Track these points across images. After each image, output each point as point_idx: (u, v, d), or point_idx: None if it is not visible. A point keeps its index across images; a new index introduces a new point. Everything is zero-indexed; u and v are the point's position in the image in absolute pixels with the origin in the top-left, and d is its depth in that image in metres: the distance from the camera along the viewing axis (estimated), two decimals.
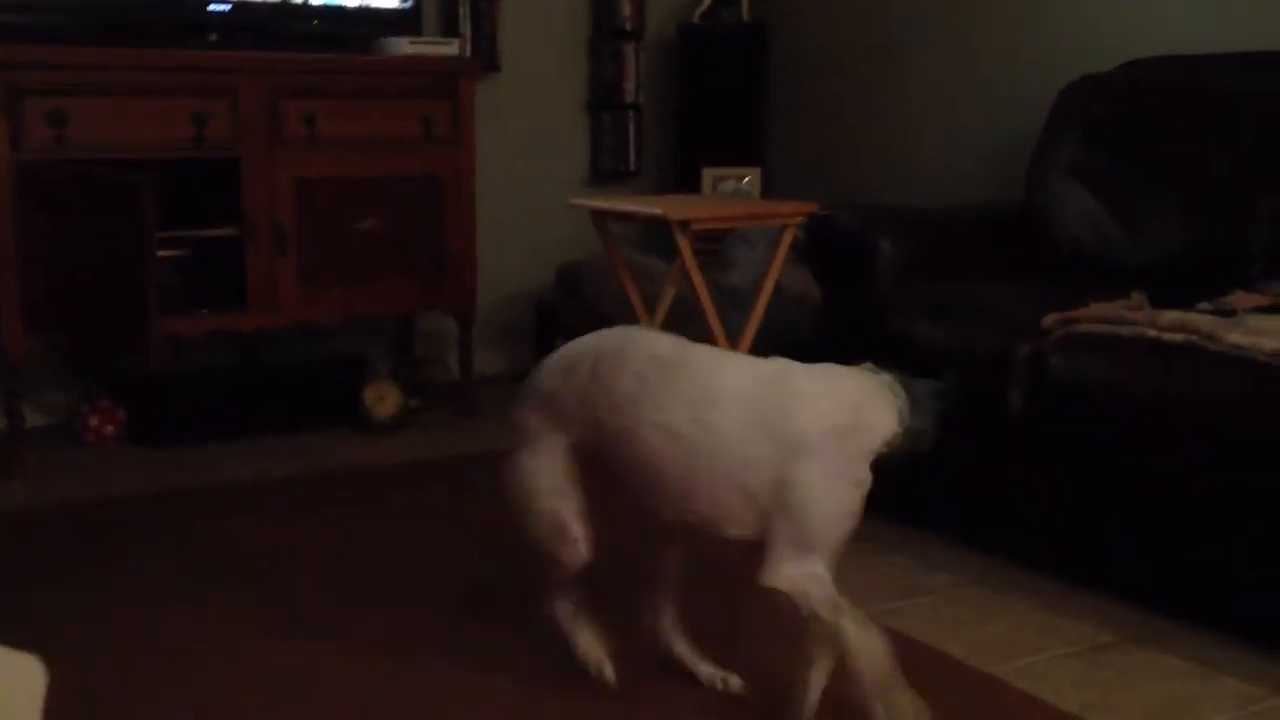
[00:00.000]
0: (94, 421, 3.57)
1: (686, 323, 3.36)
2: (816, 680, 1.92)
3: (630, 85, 4.51)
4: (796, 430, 1.79)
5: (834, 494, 1.80)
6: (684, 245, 2.95)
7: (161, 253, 3.19)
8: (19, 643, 1.25)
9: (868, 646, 1.79)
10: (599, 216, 3.22)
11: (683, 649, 2.10)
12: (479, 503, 2.77)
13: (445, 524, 2.91)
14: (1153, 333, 2.33)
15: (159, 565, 2.62)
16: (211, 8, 3.59)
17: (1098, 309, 2.46)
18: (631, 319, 3.28)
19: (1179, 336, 2.29)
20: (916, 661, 2.20)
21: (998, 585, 2.57)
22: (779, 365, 1.89)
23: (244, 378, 3.72)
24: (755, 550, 1.83)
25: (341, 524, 2.89)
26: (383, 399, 3.70)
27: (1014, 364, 2.48)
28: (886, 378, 1.89)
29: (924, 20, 4.00)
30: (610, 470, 1.93)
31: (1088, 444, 2.42)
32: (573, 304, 4.07)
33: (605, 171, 4.59)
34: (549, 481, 1.98)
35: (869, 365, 1.91)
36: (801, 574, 1.79)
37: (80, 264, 3.14)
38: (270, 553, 2.69)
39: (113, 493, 3.13)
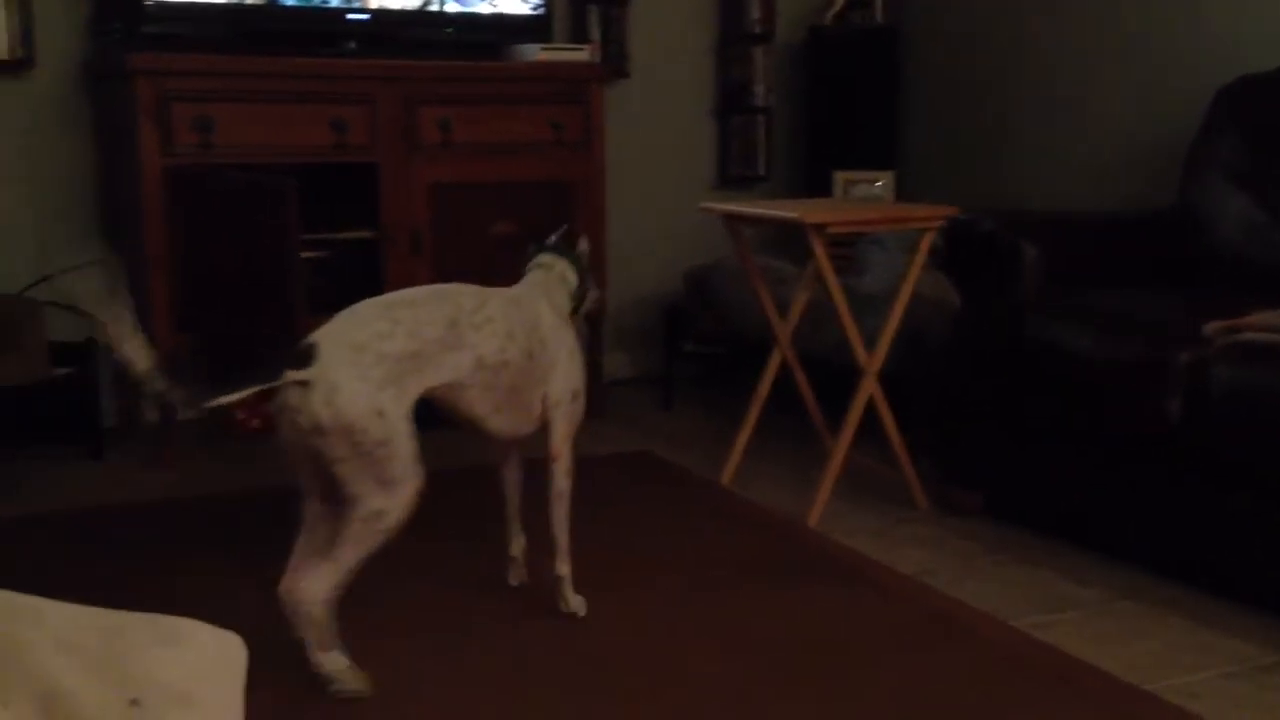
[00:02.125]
0: (241, 415, 3.64)
1: (818, 328, 3.33)
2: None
3: (760, 88, 4.48)
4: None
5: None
6: (818, 249, 2.91)
7: (303, 254, 3.24)
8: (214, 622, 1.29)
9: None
10: (731, 220, 3.19)
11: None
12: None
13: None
14: None
15: None
16: (350, 16, 3.66)
17: (1263, 316, 2.37)
18: (761, 322, 3.25)
19: None
20: (1065, 674, 2.15)
21: (1150, 600, 2.49)
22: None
23: None
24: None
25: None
26: None
27: (1172, 373, 2.39)
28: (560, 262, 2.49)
29: (1067, 20, 3.90)
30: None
31: (1253, 457, 2.32)
32: (701, 308, 4.05)
33: (733, 176, 4.56)
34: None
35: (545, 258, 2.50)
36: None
37: (226, 264, 3.21)
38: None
39: (258, 484, 3.19)
